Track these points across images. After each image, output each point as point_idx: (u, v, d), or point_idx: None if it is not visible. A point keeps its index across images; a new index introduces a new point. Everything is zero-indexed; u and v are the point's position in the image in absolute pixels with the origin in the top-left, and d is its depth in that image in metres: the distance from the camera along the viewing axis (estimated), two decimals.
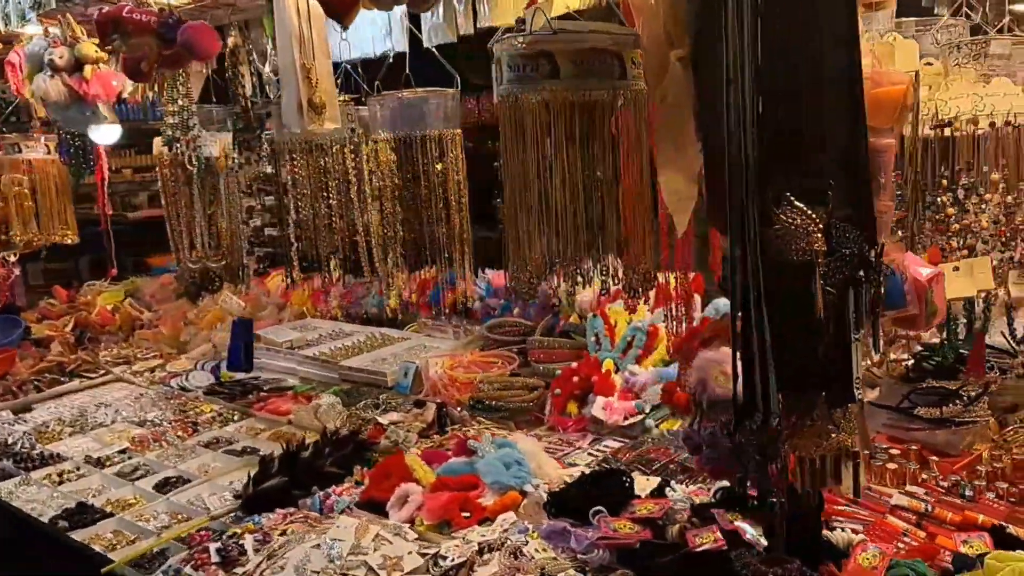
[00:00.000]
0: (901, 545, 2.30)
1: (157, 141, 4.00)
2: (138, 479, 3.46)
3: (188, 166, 3.70)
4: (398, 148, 2.57)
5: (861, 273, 1.61)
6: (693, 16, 1.87)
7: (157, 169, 4.04)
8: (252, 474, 3.11)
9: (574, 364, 3.50)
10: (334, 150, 2.68)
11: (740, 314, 1.64)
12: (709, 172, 1.89)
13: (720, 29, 1.82)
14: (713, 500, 2.43)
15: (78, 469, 3.62)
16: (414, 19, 3.39)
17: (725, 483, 2.52)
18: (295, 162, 2.75)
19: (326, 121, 2.43)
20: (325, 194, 2.78)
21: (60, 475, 3.58)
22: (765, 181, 1.56)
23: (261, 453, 3.60)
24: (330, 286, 4.18)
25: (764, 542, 2.23)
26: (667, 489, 2.53)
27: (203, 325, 5.08)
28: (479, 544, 2.40)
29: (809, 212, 1.53)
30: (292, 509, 2.95)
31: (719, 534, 2.22)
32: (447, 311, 4.55)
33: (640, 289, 1.89)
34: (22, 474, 3.60)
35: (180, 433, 3.90)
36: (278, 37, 2.45)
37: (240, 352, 3.71)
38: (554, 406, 3.46)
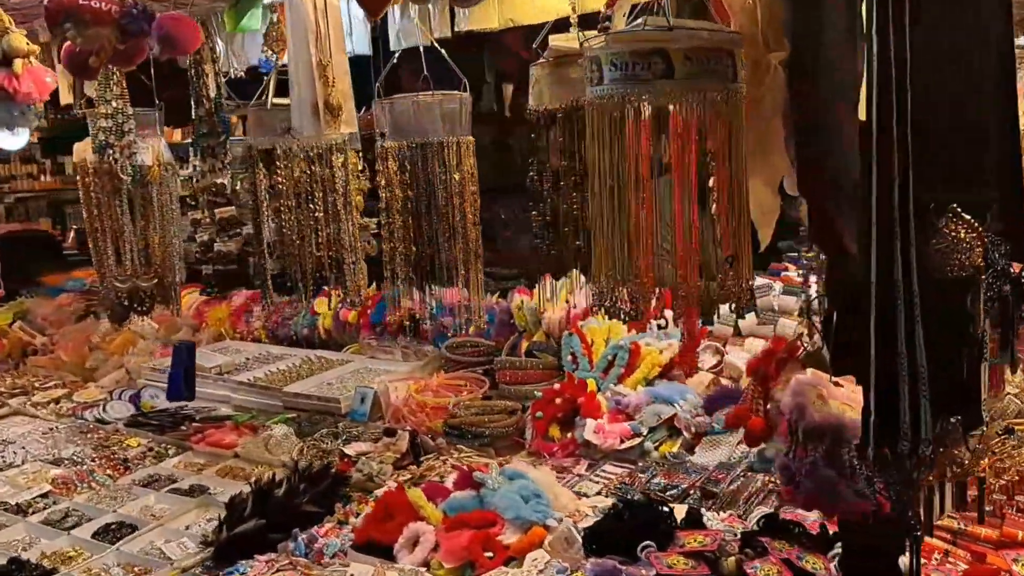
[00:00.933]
0: (952, 564, 2.25)
1: (78, 147, 3.59)
2: (72, 527, 3.05)
3: (121, 175, 3.32)
4: (412, 156, 2.34)
5: (1008, 289, 1.53)
6: (792, 18, 1.77)
7: (79, 178, 3.61)
8: (222, 516, 2.79)
9: (556, 385, 3.33)
10: (327, 158, 2.42)
11: (877, 336, 1.53)
12: (809, 186, 1.79)
13: (830, 32, 1.72)
14: (757, 527, 2.32)
15: None
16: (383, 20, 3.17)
17: (767, 510, 2.43)
18: (279, 171, 2.47)
19: (343, 124, 2.18)
20: (312, 206, 2.51)
21: None
22: (922, 193, 1.45)
23: (212, 491, 3.27)
24: (273, 307, 3.87)
25: (822, 572, 2.14)
26: (704, 518, 2.40)
27: (112, 350, 4.62)
28: None
29: (975, 225, 1.43)
30: (272, 555, 2.66)
31: (781, 566, 2.11)
32: (392, 331, 4.31)
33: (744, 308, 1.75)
34: None
35: (109, 472, 3.49)
36: (291, 32, 2.18)
37: (181, 379, 3.35)
38: (536, 430, 3.29)
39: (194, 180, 3.75)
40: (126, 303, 3.65)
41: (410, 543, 2.48)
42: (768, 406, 1.98)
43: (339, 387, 3.91)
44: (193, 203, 4.14)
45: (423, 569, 2.38)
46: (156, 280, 3.65)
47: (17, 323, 4.95)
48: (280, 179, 2.49)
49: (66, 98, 4.39)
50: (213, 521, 3.01)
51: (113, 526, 3.04)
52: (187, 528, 3.00)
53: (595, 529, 2.36)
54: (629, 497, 2.60)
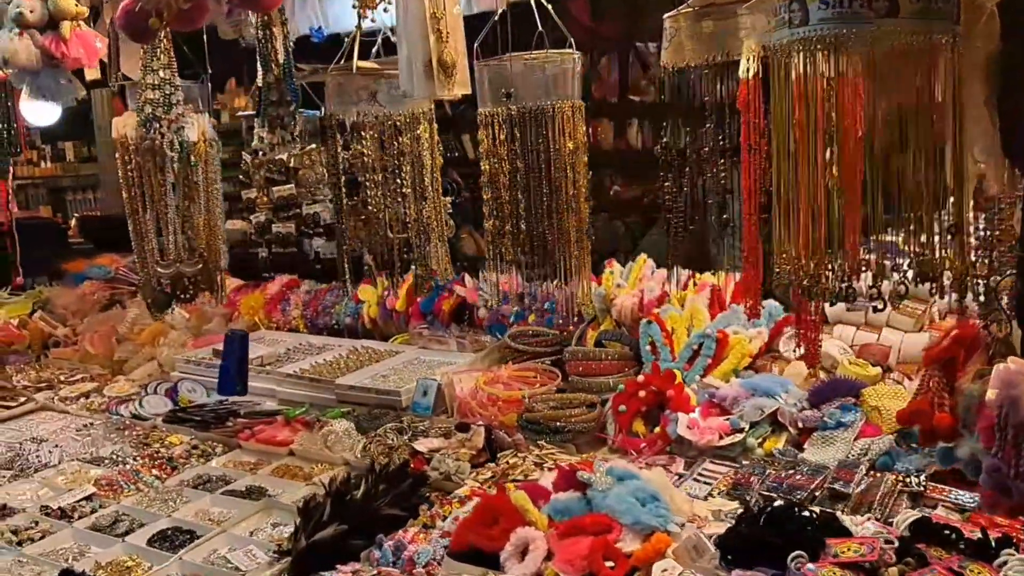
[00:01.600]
0: None
1: (118, 122, 3.34)
2: (124, 534, 2.80)
3: (168, 151, 3.06)
4: (520, 122, 2.09)
5: None
6: None
7: (118, 155, 3.35)
8: (298, 522, 2.55)
9: (639, 377, 3.10)
10: (416, 127, 2.17)
11: None
12: (1018, 149, 1.56)
13: None
14: (908, 533, 2.10)
15: (36, 524, 2.91)
16: None
17: (915, 514, 2.21)
18: (365, 142, 2.22)
19: (456, 85, 1.95)
20: (399, 180, 2.26)
21: (15, 532, 2.86)
22: None
23: (271, 492, 3.02)
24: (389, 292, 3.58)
25: None
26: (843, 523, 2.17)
27: (141, 341, 4.36)
28: None
29: None
30: (355, 565, 2.42)
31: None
32: (445, 320, 4.07)
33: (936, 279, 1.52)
34: None
35: (155, 472, 3.24)
36: None
37: (234, 372, 3.10)
38: (619, 425, 3.06)
39: (260, 154, 3.49)
40: (169, 290, 3.40)
41: (518, 550, 2.25)
42: (951, 400, 1.76)
43: (395, 379, 3.66)
44: (247, 181, 3.88)
45: None
46: (201, 265, 3.40)
47: (37, 313, 4.68)
48: (365, 151, 2.23)
49: (91, 72, 4.12)
50: (280, 526, 2.79)
51: (169, 532, 2.80)
52: (252, 534, 2.76)
53: (730, 536, 2.13)
54: (751, 500, 2.38)
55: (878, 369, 3.05)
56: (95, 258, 5.08)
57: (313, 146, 3.62)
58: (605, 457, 2.95)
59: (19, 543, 2.79)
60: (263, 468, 3.23)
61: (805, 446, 2.74)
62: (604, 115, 7.47)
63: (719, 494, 2.55)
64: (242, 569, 2.54)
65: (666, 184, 2.05)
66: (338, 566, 2.41)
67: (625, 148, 7.53)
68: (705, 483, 2.63)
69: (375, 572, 2.37)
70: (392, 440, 3.18)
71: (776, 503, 2.28)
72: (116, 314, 4.55)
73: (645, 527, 2.24)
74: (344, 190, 2.43)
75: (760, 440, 2.80)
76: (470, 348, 3.87)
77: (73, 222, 9.00)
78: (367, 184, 2.29)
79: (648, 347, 3.28)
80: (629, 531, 2.25)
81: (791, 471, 2.56)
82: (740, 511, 2.33)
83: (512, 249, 2.28)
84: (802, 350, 2.82)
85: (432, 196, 2.33)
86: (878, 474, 2.51)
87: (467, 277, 4.04)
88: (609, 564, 2.15)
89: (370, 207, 2.32)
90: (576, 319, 3.67)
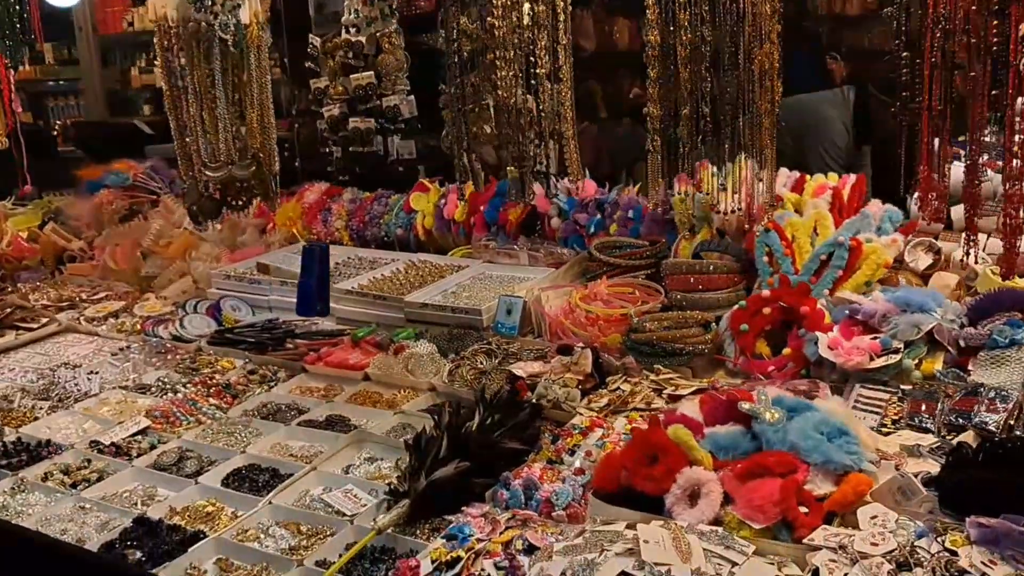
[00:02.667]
0: None
1: (155, 1, 2.87)
2: (195, 474, 2.47)
3: (223, 34, 2.62)
4: None
5: None
6: None
7: (156, 40, 2.90)
8: (412, 460, 2.22)
9: (764, 292, 2.76)
10: None
11: None
12: None
13: None
14: None
15: (89, 463, 2.57)
16: None
17: None
18: (495, 10, 1.81)
19: None
20: (533, 59, 1.86)
21: (66, 472, 2.52)
22: None
23: (353, 422, 2.69)
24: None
25: None
26: None
27: (170, 255, 3.96)
28: (880, 560, 1.67)
29: None
30: (484, 506, 2.10)
31: None
32: (512, 230, 3.69)
33: None
34: (7, 475, 2.52)
35: (213, 401, 2.89)
36: None
37: (314, 289, 2.72)
38: (741, 346, 2.73)
39: (357, 29, 3.03)
40: (218, 196, 2.99)
41: (687, 494, 1.93)
42: None
43: (467, 297, 3.30)
44: (315, 67, 3.42)
45: (719, 529, 1.84)
46: (254, 168, 2.98)
47: (49, 225, 4.24)
48: (496, 23, 1.83)
49: None
50: (378, 461, 2.48)
51: (246, 471, 2.46)
52: (346, 471, 2.43)
53: (950, 478, 1.83)
54: (936, 430, 2.08)
55: None
56: (105, 165, 4.61)
57: (395, 25, 3.16)
58: (732, 383, 2.64)
59: (73, 485, 2.45)
60: (338, 395, 2.88)
61: (970, 367, 2.43)
62: (619, 13, 6.91)
63: (894, 425, 2.24)
64: (347, 513, 2.22)
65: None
66: (464, 509, 2.09)
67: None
68: (870, 412, 2.31)
69: (510, 515, 2.06)
70: (483, 364, 2.84)
71: (998, 438, 1.97)
72: (138, 226, 4.12)
73: (838, 466, 1.92)
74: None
75: (916, 361, 2.49)
76: (543, 262, 3.50)
77: (59, 128, 8.43)
78: (499, 64, 1.88)
79: (765, 258, 2.93)
80: (818, 471, 1.94)
81: (971, 396, 2.25)
82: (942, 446, 2.02)
83: (691, 138, 1.90)
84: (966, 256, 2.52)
85: (567, 78, 1.93)
86: None
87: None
88: (803, 510, 1.85)
89: (500, 92, 1.91)
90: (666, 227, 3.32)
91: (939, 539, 1.71)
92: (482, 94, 2.26)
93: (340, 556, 2.03)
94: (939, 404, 2.25)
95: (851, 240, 2.82)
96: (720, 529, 1.82)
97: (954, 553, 1.67)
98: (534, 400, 2.56)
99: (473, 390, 2.67)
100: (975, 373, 2.40)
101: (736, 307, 2.81)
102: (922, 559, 1.67)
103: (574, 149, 2.07)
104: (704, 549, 1.76)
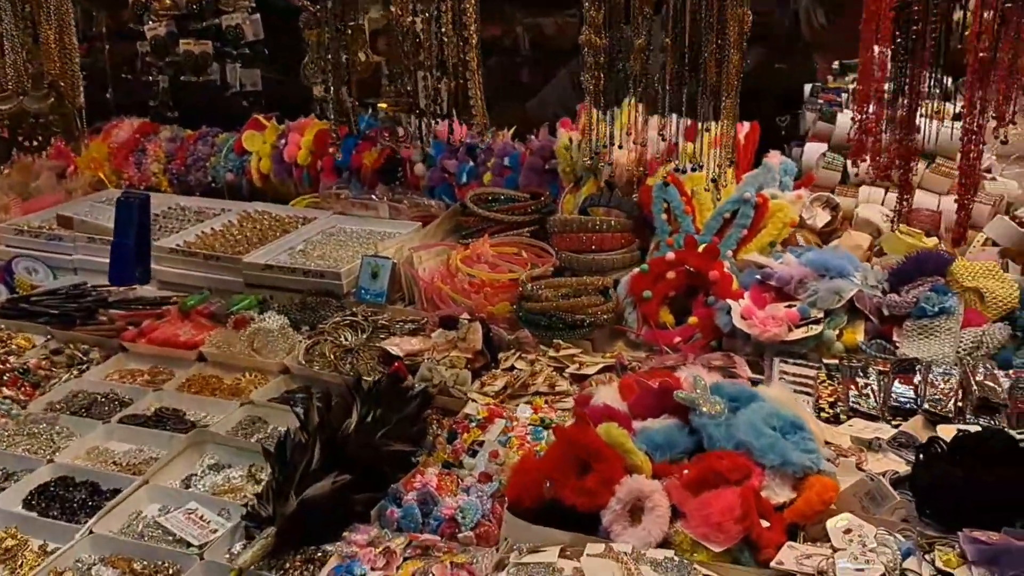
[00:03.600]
0: None
1: None
2: None
3: None
4: None
5: None
6: None
7: None
8: (276, 473, 1.78)
9: (668, 255, 2.46)
10: None
11: None
12: None
13: None
14: None
15: None
16: None
17: None
18: None
19: None
20: None
21: None
22: None
23: (188, 415, 2.21)
24: None
25: None
26: None
27: None
28: None
29: None
30: (372, 530, 1.70)
31: None
32: (367, 178, 3.23)
33: None
34: None
35: (8, 392, 2.31)
36: None
37: (132, 252, 2.18)
38: (646, 315, 2.44)
39: None
40: (6, 134, 2.38)
41: (627, 510, 1.61)
42: None
43: (320, 256, 2.83)
44: None
45: (669, 552, 1.52)
46: (52, 100, 2.38)
47: None
48: None
49: None
50: (225, 469, 2.01)
51: (54, 487, 1.94)
52: (187, 485, 1.96)
53: (923, 479, 1.59)
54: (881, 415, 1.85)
55: (934, 239, 2.57)
56: None
57: None
58: (636, 358, 2.34)
59: None
60: (168, 381, 2.37)
61: (896, 339, 2.24)
62: None
63: (832, 409, 2.00)
64: (194, 543, 1.76)
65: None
66: (346, 534, 1.68)
67: None
68: (800, 393, 2.06)
69: (405, 540, 1.67)
70: (348, 340, 2.41)
71: (972, 428, 1.75)
72: None
73: (796, 468, 1.65)
74: None
75: (837, 332, 2.27)
76: (407, 215, 3.07)
77: None
78: None
79: (663, 215, 2.64)
80: (775, 475, 1.66)
81: (906, 372, 2.05)
82: (905, 440, 1.79)
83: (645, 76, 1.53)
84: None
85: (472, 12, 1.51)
86: (1008, 373, 2.04)
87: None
88: (764, 524, 1.56)
89: (393, 8, 1.46)
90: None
91: (927, 557, 1.47)
92: (354, 12, 1.80)
93: None
94: (875, 383, 2.03)
95: (758, 196, 2.57)
96: (674, 555, 1.51)
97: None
98: (416, 385, 2.16)
99: (341, 374, 2.24)
100: (903, 346, 2.21)
101: (637, 271, 2.50)
102: None
103: (478, 85, 1.64)
104: None
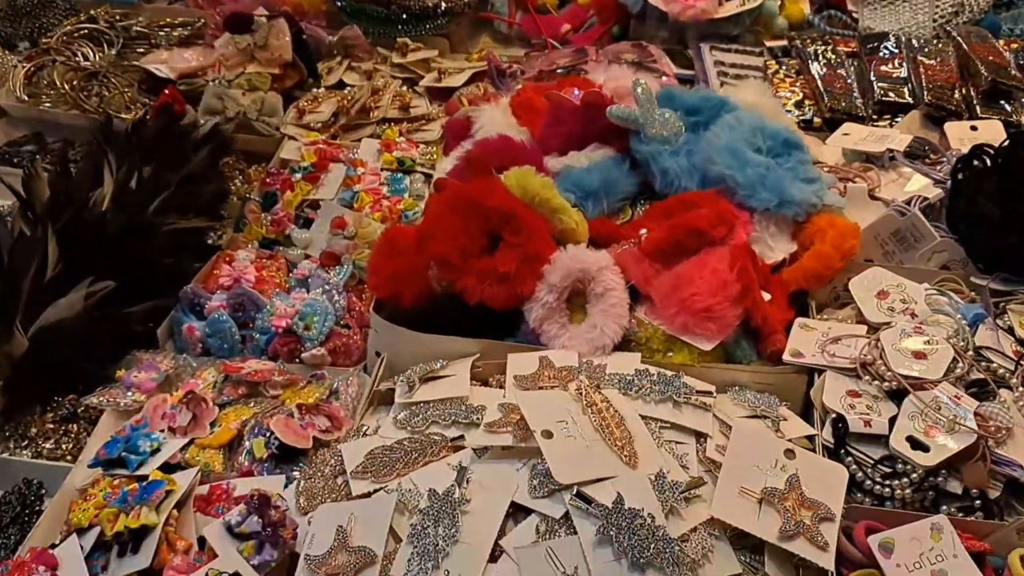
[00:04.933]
0: None
1: None
2: None
3: None
4: None
5: None
6: None
7: None
8: None
9: None
10: None
11: None
12: None
13: None
14: None
15: None
16: None
17: None
18: None
19: None
20: None
21: None
22: None
23: None
24: None
25: None
26: None
27: None
28: (941, 386, 0.94)
29: None
30: (159, 359, 1.09)
31: None
32: None
33: None
34: None
35: None
36: None
37: None
38: None
39: None
40: None
41: (561, 301, 1.04)
42: None
43: None
44: None
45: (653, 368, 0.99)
46: None
47: None
48: None
49: None
50: None
51: None
52: None
53: (969, 209, 1.10)
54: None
55: None
56: None
57: None
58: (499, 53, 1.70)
59: None
60: None
61: (852, 7, 1.70)
62: None
63: (800, 109, 1.46)
64: None
65: None
66: (122, 374, 1.06)
67: None
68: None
69: (218, 374, 1.06)
70: (89, 60, 1.61)
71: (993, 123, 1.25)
72: None
73: (798, 209, 1.12)
74: None
75: (779, 2, 1.70)
76: None
77: None
78: None
79: None
80: (767, 221, 1.13)
81: (883, 54, 1.52)
82: (922, 150, 1.28)
83: None
84: None
85: None
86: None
87: None
88: (765, 297, 1.05)
89: None
90: None
91: (1003, 321, 1.01)
92: None
93: None
94: (846, 69, 1.49)
95: None
96: (651, 368, 0.98)
97: None
98: (201, 121, 1.44)
99: (84, 112, 1.49)
100: (865, 17, 1.67)
101: None
102: (1002, 372, 0.97)
103: None
104: (643, 418, 0.92)
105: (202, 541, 0.85)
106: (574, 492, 0.82)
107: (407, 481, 0.87)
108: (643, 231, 1.09)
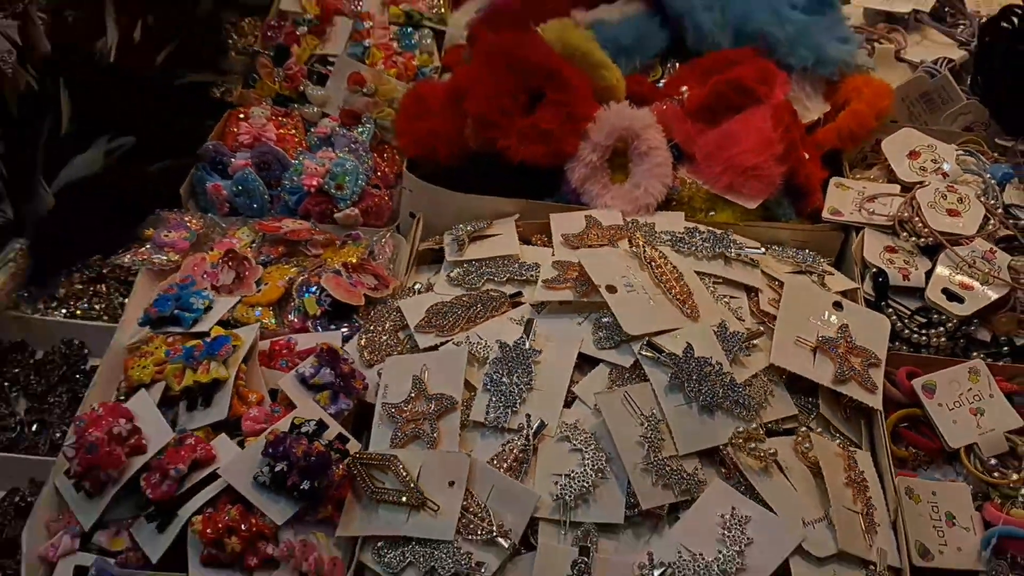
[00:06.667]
0: None
1: None
2: None
3: None
4: None
5: None
6: None
7: None
8: (2, 147, 1.03)
9: None
10: None
11: None
12: None
13: None
14: None
15: None
16: None
17: None
18: None
19: None
20: None
21: None
22: None
23: None
24: None
25: None
26: None
27: None
28: (972, 245, 0.98)
29: None
30: (188, 218, 1.06)
31: None
32: None
33: None
34: None
35: None
36: None
37: None
38: None
39: None
40: None
41: (603, 160, 1.04)
42: None
43: None
44: None
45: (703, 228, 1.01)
46: None
47: None
48: None
49: None
50: None
51: None
52: None
53: (1001, 68, 1.12)
54: None
55: None
56: None
57: None
58: None
59: None
60: None
61: None
62: None
63: None
64: None
65: None
66: (151, 232, 1.03)
67: None
68: None
69: (252, 234, 1.04)
70: None
71: None
72: None
73: (831, 67, 1.13)
74: None
75: None
76: None
77: None
78: None
79: None
80: (803, 81, 1.13)
81: None
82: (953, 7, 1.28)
83: None
84: None
85: None
86: None
87: None
88: (804, 157, 1.06)
89: None
90: None
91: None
92: None
93: None
94: None
95: None
96: (700, 226, 0.99)
97: None
98: None
99: None
100: None
101: None
102: None
103: None
104: (697, 273, 0.94)
105: (272, 393, 0.86)
106: (644, 343, 0.84)
107: (472, 335, 0.88)
108: (684, 88, 1.08)
